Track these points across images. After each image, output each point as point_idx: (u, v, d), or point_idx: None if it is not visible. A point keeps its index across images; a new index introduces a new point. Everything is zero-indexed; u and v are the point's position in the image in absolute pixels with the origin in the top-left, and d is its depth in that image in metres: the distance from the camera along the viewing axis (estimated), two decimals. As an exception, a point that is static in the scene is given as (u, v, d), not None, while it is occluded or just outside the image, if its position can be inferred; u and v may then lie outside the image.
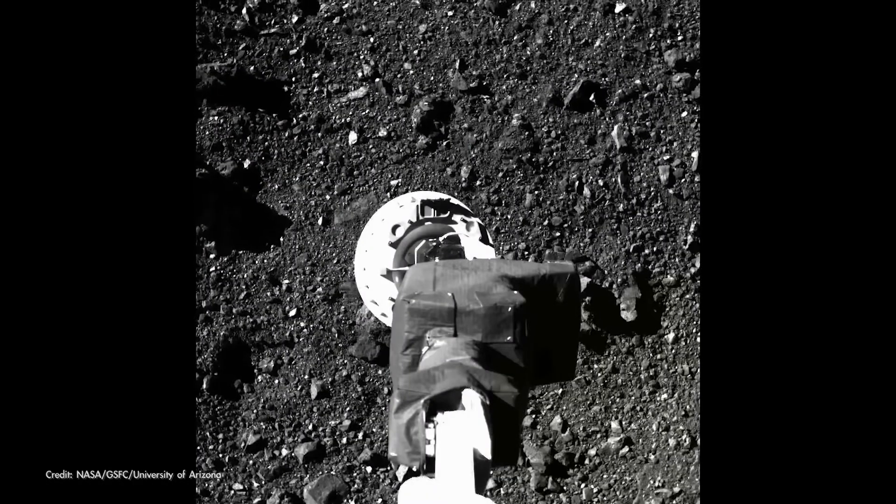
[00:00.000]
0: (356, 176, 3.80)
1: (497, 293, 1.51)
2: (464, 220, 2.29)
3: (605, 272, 3.79)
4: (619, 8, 3.93)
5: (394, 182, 3.73)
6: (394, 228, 2.30)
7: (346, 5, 3.90)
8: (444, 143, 3.81)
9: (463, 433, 1.24)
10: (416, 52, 3.89)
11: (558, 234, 3.81)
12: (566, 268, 1.66)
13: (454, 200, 2.37)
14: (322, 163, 3.78)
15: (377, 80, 3.83)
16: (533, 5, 3.98)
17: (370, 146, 3.81)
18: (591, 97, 3.93)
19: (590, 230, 3.85)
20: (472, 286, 1.54)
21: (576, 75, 3.96)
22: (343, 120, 3.78)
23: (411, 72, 3.88)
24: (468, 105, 3.81)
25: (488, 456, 1.23)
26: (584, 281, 3.78)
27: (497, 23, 3.91)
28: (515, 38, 3.90)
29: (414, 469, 1.24)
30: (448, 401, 1.32)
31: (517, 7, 3.93)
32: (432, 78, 3.89)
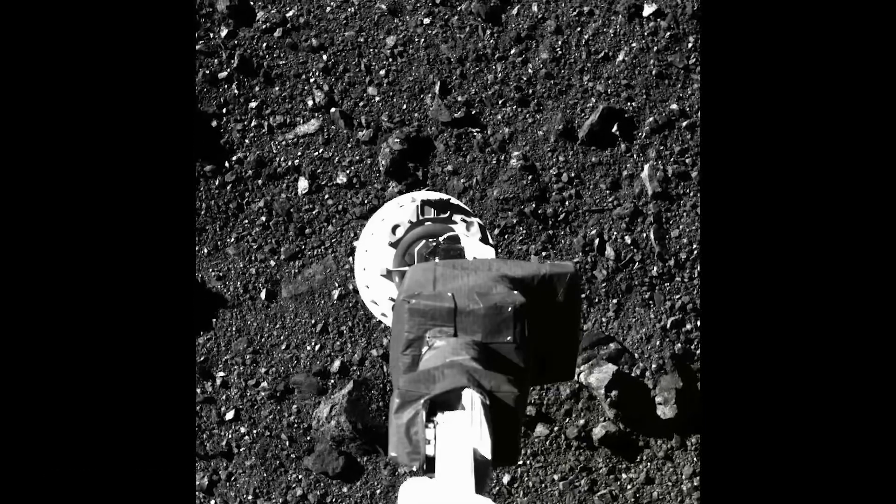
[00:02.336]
0: (308, 235, 3.31)
1: (497, 293, 1.55)
2: (464, 220, 2.39)
3: (636, 356, 3.30)
4: (647, 10, 3.42)
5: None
6: (394, 228, 2.41)
7: (290, 13, 3.40)
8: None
9: (463, 433, 1.29)
10: (382, 72, 3.38)
11: None
12: (566, 268, 1.70)
13: (454, 200, 2.47)
14: (264, 219, 3.31)
15: (333, 109, 3.34)
16: (535, 8, 3.42)
17: (326, 196, 3.34)
18: (614, 128, 3.40)
19: (614, 301, 3.34)
20: (472, 286, 1.58)
21: (593, 100, 3.40)
22: (290, 163, 3.33)
23: (377, 98, 3.37)
24: (452, 141, 3.30)
25: (488, 456, 1.27)
26: (610, 369, 3.27)
27: (488, 32, 3.38)
28: (513, 51, 3.37)
29: (414, 469, 1.28)
30: (448, 401, 1.35)
31: (514, 12, 3.39)
32: (405, 106, 3.38)
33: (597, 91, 3.39)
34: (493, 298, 1.53)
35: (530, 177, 3.31)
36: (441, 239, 2.29)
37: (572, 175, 3.35)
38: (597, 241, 3.31)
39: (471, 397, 1.35)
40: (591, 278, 3.34)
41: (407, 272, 1.75)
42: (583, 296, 2.94)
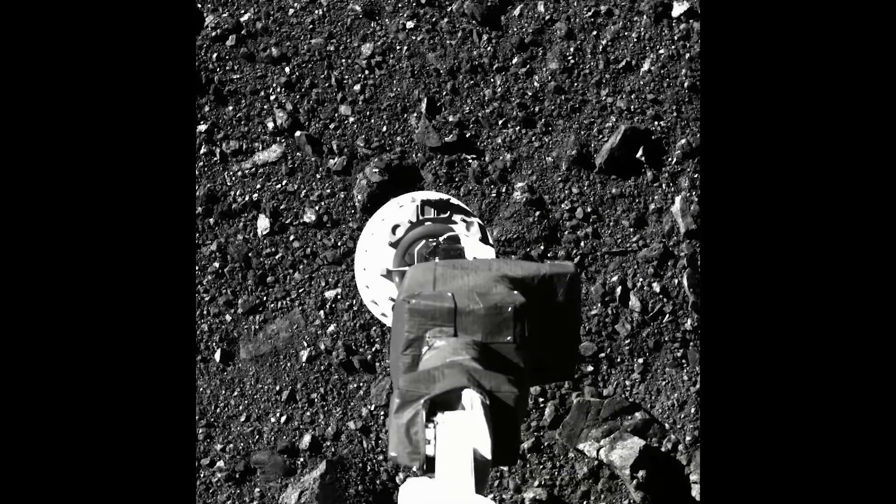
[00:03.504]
0: (271, 285, 3.08)
1: (497, 293, 1.59)
2: (464, 220, 2.38)
3: (666, 427, 3.08)
4: (678, 10, 3.21)
5: (330, 293, 3.03)
6: (394, 228, 2.40)
7: (245, 16, 3.21)
8: None
9: (463, 433, 1.33)
10: (357, 87, 3.17)
11: (591, 368, 3.10)
12: (566, 268, 1.73)
13: (454, 200, 2.48)
14: (217, 265, 3.09)
15: (298, 133, 3.12)
16: (541, 8, 3.23)
17: (291, 238, 3.10)
18: (639, 153, 3.15)
19: (640, 362, 3.11)
20: (472, 286, 1.62)
21: (613, 118, 3.17)
22: (247, 197, 3.11)
23: (351, 119, 3.14)
24: (443, 170, 3.08)
25: (488, 456, 1.32)
26: (636, 444, 3.04)
27: (485, 38, 3.19)
28: (515, 61, 3.17)
29: (414, 469, 1.34)
30: (448, 401, 1.39)
31: (516, 12, 3.20)
32: (384, 128, 3.14)
33: (617, 108, 3.18)
34: (493, 298, 1.57)
35: (538, 213, 3.12)
36: (441, 239, 2.33)
37: (588, 210, 3.12)
38: (619, 289, 3.10)
39: (471, 397, 1.39)
40: (613, 334, 3.11)
41: (407, 272, 1.80)
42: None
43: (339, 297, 3.05)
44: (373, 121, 3.18)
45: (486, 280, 1.65)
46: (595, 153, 3.19)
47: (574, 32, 3.24)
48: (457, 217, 2.39)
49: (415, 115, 3.19)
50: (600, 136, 3.18)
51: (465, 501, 1.22)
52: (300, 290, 3.05)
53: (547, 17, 3.23)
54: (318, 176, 3.13)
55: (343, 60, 3.21)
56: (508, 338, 1.55)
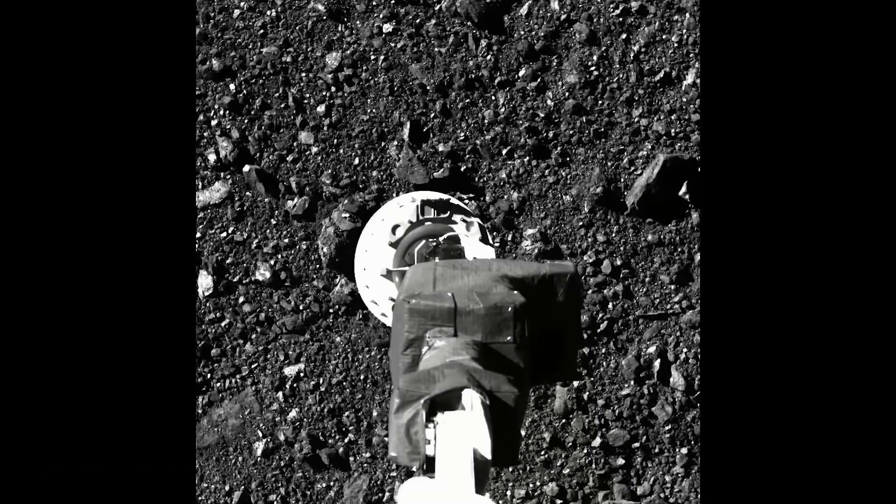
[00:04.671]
0: (216, 358, 2.90)
1: (497, 293, 1.69)
2: (464, 220, 2.52)
3: None
4: None
5: (291, 370, 2.85)
6: (394, 228, 2.53)
7: None
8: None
9: (463, 433, 1.41)
10: (321, 108, 2.96)
11: (621, 461, 2.86)
12: (566, 268, 1.84)
13: (454, 200, 2.59)
14: None
15: (247, 167, 2.91)
16: (555, 5, 2.96)
17: (240, 300, 2.94)
18: (682, 189, 2.93)
19: (684, 452, 2.86)
20: (472, 286, 1.73)
21: (648, 146, 2.95)
22: None
23: (314, 149, 2.94)
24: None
25: (488, 456, 1.39)
26: None
27: (484, 44, 2.98)
28: (523, 73, 2.96)
29: (414, 469, 1.42)
30: (448, 401, 1.47)
31: (523, 11, 2.95)
32: (356, 161, 2.95)
33: (654, 132, 2.96)
34: (493, 298, 1.67)
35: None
36: (441, 239, 2.46)
37: (618, 263, 2.93)
38: (657, 362, 2.89)
39: (471, 397, 1.47)
40: (649, 418, 2.86)
41: (407, 272, 1.90)
42: (582, 294, 2.97)
43: (301, 374, 2.85)
44: (341, 151, 2.95)
45: (486, 280, 1.75)
46: (626, 190, 2.96)
47: (598, 36, 2.99)
48: (457, 217, 2.54)
49: (395, 143, 2.95)
50: (632, 169, 2.97)
51: (465, 501, 1.30)
52: (253, 366, 2.90)
53: (563, 17, 2.97)
54: (272, 222, 2.92)
55: (303, 74, 2.98)
56: (508, 338, 1.64)
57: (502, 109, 2.93)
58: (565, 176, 2.92)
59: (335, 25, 2.94)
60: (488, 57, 2.93)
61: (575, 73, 2.93)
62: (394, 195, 2.89)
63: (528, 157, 2.91)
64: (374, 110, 2.92)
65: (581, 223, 2.88)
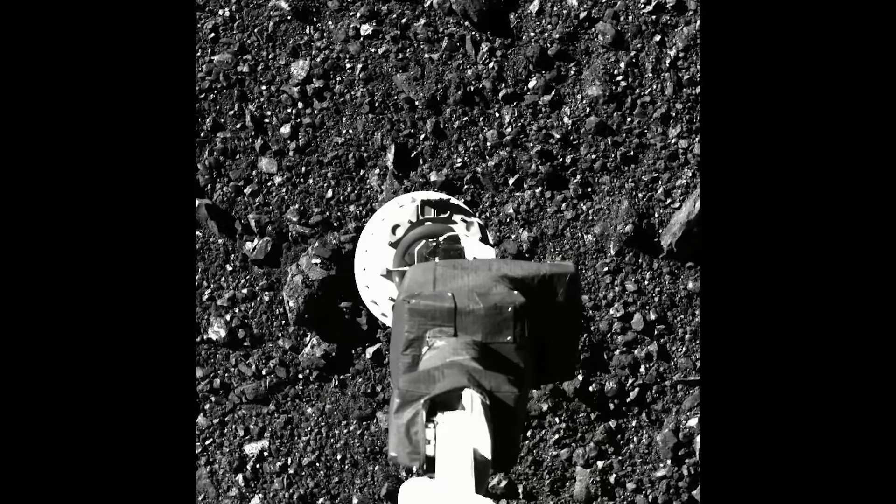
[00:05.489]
0: None
1: (497, 293, 1.75)
2: (464, 220, 2.51)
3: None
4: None
5: (252, 447, 2.64)
6: (394, 228, 2.52)
7: None
8: (370, 359, 2.77)
9: (463, 433, 1.46)
10: (285, 129, 2.74)
11: None
12: (566, 268, 1.88)
13: (454, 200, 2.59)
14: None
15: (196, 201, 2.81)
16: (573, 0, 2.72)
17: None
18: None
19: None
20: (472, 286, 1.79)
21: (688, 173, 2.78)
22: None
23: (278, 179, 2.74)
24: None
25: (488, 456, 1.45)
26: None
27: (486, 49, 2.75)
28: (534, 84, 2.75)
29: (414, 469, 1.49)
30: (448, 401, 1.53)
31: (533, 7, 2.70)
32: (329, 193, 2.74)
33: (694, 156, 2.83)
34: (493, 298, 1.72)
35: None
36: (441, 239, 2.46)
37: (652, 318, 2.72)
38: (699, 437, 2.71)
39: (471, 397, 1.51)
40: None
41: (407, 272, 1.94)
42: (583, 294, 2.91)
43: (266, 453, 2.66)
44: (311, 182, 2.75)
45: (486, 280, 1.80)
46: (661, 228, 2.74)
47: (625, 38, 2.75)
48: (457, 217, 2.56)
49: (376, 172, 2.77)
50: (668, 202, 2.77)
51: (465, 501, 1.33)
52: (207, 443, 2.71)
53: (583, 15, 2.73)
54: (228, 268, 2.74)
55: (263, 88, 2.77)
56: (508, 338, 1.69)
57: (508, 129, 2.73)
58: (586, 210, 2.72)
59: (302, 27, 2.75)
60: (491, 65, 2.74)
61: (598, 84, 2.74)
62: (375, 236, 2.70)
63: (540, 188, 2.70)
64: (350, 131, 2.73)
65: (606, 268, 2.66)
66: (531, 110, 2.71)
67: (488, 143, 2.70)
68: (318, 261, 2.67)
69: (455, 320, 1.70)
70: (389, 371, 2.80)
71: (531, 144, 2.71)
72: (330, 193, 2.70)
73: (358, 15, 2.70)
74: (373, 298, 2.68)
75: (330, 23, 2.75)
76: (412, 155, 2.71)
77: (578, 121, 2.71)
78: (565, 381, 2.78)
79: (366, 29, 2.69)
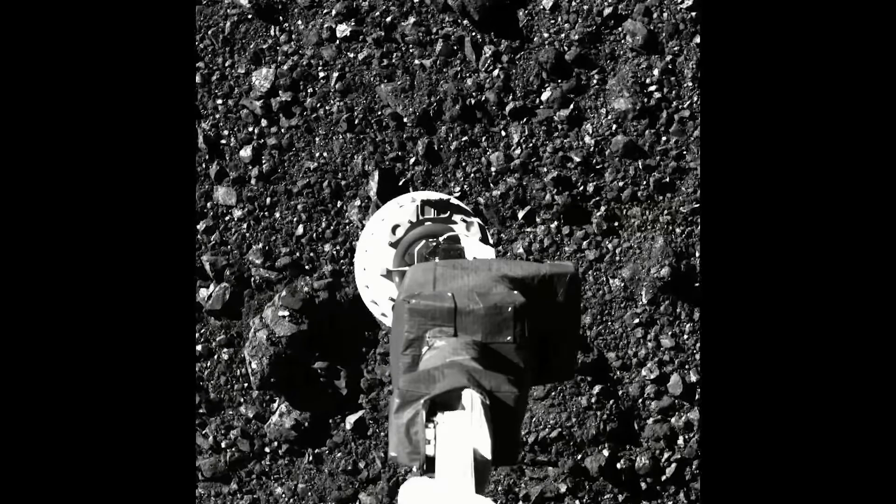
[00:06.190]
0: None
1: (497, 293, 1.76)
2: (464, 220, 2.39)
3: None
4: None
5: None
6: (394, 228, 2.42)
7: None
8: (351, 430, 2.46)
9: (463, 433, 1.44)
10: (247, 153, 2.54)
11: None
12: (566, 268, 1.84)
13: (454, 200, 2.50)
14: None
15: None
16: None
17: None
18: None
19: None
20: (472, 286, 1.80)
21: None
22: None
23: (237, 213, 2.54)
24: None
25: (488, 456, 1.42)
26: None
27: (490, 52, 2.54)
28: (547, 96, 2.58)
29: (414, 469, 1.45)
30: (448, 401, 1.51)
31: (546, 4, 2.48)
32: (300, 230, 2.54)
33: None
34: (493, 298, 1.71)
35: (597, 388, 2.50)
36: (441, 239, 2.39)
37: (692, 379, 2.53)
38: None
39: (471, 397, 1.49)
40: None
41: (407, 272, 1.91)
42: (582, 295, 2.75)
43: None
44: (277, 215, 2.55)
45: (486, 280, 1.79)
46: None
47: (659, 39, 2.54)
48: (457, 217, 2.46)
49: (357, 203, 2.60)
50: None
51: (465, 501, 1.31)
52: None
53: (607, 11, 2.51)
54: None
55: (219, 102, 2.57)
56: (508, 338, 1.66)
57: (518, 151, 2.58)
58: (613, 250, 2.56)
59: (266, 28, 2.58)
60: (495, 73, 2.59)
61: (626, 95, 2.58)
62: (352, 285, 2.51)
63: (556, 222, 2.54)
64: (325, 154, 2.58)
65: (637, 320, 2.48)
66: (545, 128, 2.57)
67: (493, 169, 2.55)
68: (287, 313, 2.44)
69: (455, 320, 1.69)
70: (389, 373, 2.67)
71: (545, 169, 2.57)
72: (301, 230, 2.51)
73: (333, 13, 2.47)
74: (373, 298, 2.59)
75: (299, 22, 2.62)
76: (400, 183, 2.56)
77: (603, 140, 2.57)
78: (565, 381, 2.68)
79: (343, 29, 2.51)
